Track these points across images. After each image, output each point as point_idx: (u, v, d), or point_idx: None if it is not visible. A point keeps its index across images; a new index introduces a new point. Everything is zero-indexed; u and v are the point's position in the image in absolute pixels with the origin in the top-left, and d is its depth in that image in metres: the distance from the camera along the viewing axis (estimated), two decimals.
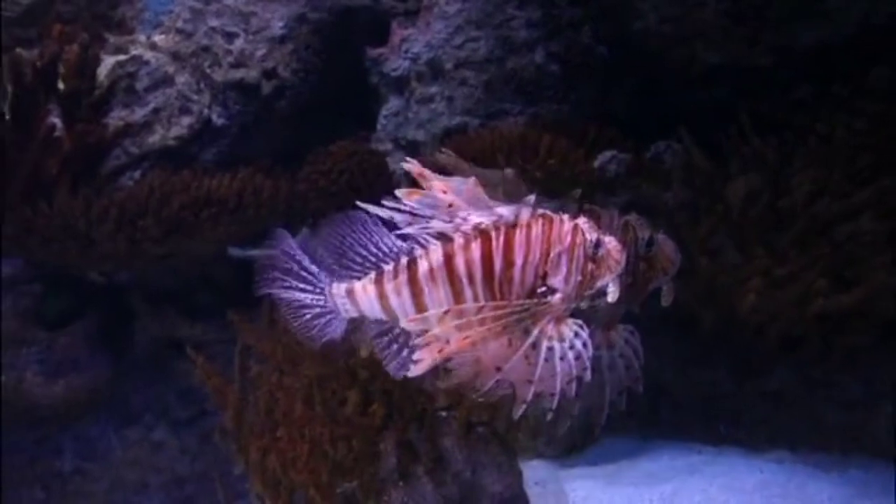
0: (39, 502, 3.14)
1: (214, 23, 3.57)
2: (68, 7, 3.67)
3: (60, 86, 3.11)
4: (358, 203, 1.38)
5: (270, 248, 1.54)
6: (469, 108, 3.56)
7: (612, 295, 1.38)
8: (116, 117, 3.39)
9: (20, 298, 3.18)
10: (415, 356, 1.31)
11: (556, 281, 1.32)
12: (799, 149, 3.39)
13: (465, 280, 1.32)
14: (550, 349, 1.30)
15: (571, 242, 1.33)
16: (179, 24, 3.61)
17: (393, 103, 3.60)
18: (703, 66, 3.87)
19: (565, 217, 1.35)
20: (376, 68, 3.63)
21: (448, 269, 1.33)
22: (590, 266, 1.35)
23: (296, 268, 1.48)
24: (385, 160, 3.43)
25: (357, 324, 1.48)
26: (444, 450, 2.05)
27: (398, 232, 1.33)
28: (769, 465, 3.17)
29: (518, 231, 1.32)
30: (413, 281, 1.34)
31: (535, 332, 1.30)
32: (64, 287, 3.22)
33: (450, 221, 1.30)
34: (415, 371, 1.30)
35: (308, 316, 1.46)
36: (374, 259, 1.41)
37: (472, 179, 1.28)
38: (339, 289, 1.42)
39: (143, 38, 3.67)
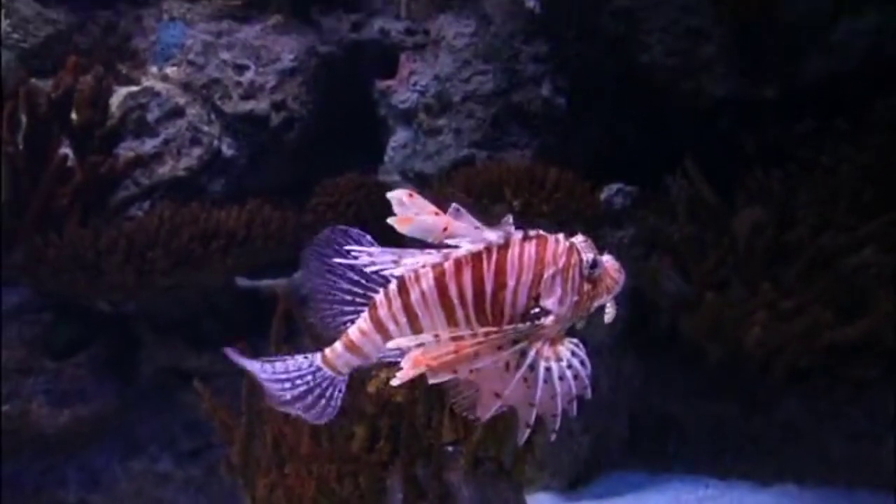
0: None
1: (225, 55, 3.63)
2: (84, 38, 3.73)
3: (73, 116, 3.15)
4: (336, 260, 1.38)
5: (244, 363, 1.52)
6: (476, 140, 3.59)
7: (610, 316, 1.35)
8: (127, 148, 3.42)
9: (27, 327, 3.19)
10: (402, 363, 1.29)
11: (549, 303, 1.28)
12: (804, 181, 3.41)
13: (456, 302, 1.29)
14: (548, 370, 1.26)
15: (566, 262, 1.29)
16: (191, 56, 3.66)
17: (401, 135, 3.64)
18: (708, 98, 3.90)
19: (560, 237, 1.31)
20: (385, 100, 3.68)
21: (440, 293, 1.29)
22: (586, 287, 1.30)
23: (276, 373, 1.43)
24: None
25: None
26: (450, 485, 2.04)
27: (385, 271, 1.29)
28: (777, 499, 3.15)
29: (510, 252, 1.29)
30: (407, 306, 1.30)
31: (532, 353, 1.28)
32: (72, 316, 3.23)
33: (438, 254, 1.28)
34: (401, 377, 1.28)
35: (310, 399, 1.41)
36: (362, 290, 1.37)
37: (454, 205, 1.28)
38: (334, 350, 1.38)
39: (154, 69, 3.72)
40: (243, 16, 3.77)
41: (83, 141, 3.11)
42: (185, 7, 3.82)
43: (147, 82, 3.67)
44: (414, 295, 1.30)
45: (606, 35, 3.84)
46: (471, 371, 1.27)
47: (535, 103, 3.56)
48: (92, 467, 3.21)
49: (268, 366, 1.45)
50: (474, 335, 1.26)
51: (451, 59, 3.56)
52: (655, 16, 3.92)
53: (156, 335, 3.23)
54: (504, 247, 1.29)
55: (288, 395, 1.42)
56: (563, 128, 3.67)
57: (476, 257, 1.29)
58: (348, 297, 1.39)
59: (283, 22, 3.71)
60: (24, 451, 3.17)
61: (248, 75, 3.60)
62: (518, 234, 1.30)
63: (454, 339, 1.26)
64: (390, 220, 1.27)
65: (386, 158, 3.71)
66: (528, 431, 1.28)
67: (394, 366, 1.95)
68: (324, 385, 1.42)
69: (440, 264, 1.29)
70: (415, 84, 3.59)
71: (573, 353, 1.28)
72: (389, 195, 1.24)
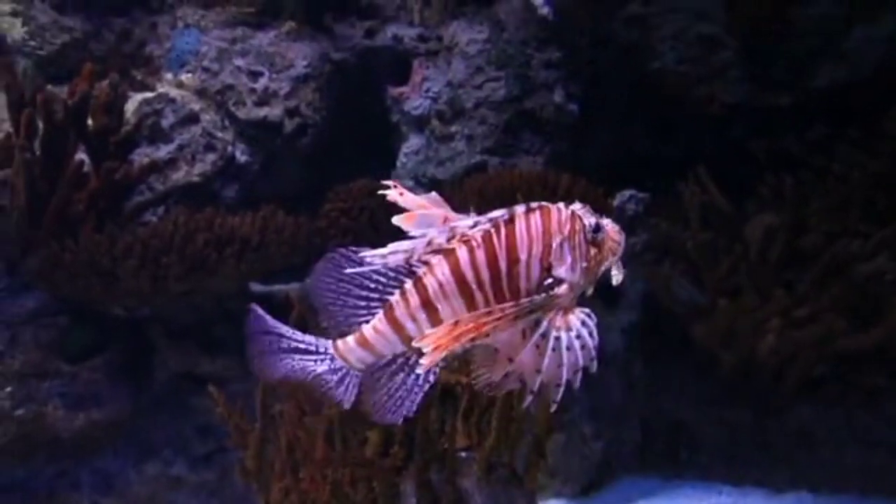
0: None
1: (239, 62, 3.65)
2: (99, 46, 3.77)
3: (89, 123, 3.18)
4: (344, 255, 1.35)
5: (253, 325, 1.46)
6: (489, 147, 3.60)
7: (617, 278, 1.36)
8: (142, 154, 3.45)
9: (43, 331, 3.21)
10: (423, 347, 1.25)
11: (561, 271, 1.30)
12: (817, 188, 3.40)
13: (474, 286, 1.30)
14: (558, 339, 1.28)
15: (571, 229, 1.31)
16: (205, 63, 3.69)
17: (413, 141, 3.65)
18: (721, 105, 3.90)
19: (561, 205, 1.33)
20: (397, 107, 3.69)
21: (457, 280, 1.30)
22: (592, 251, 1.33)
23: (287, 343, 1.42)
24: None
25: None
26: (464, 491, 2.04)
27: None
28: None
29: (517, 227, 1.30)
30: (426, 303, 1.31)
31: (545, 323, 1.28)
32: (87, 320, 3.25)
33: (447, 235, 1.28)
34: (426, 364, 1.25)
35: (331, 382, 1.40)
36: (377, 294, 1.37)
37: (434, 194, 1.29)
38: (346, 343, 1.37)
39: (169, 76, 3.75)
40: (257, 23, 3.80)
41: (99, 147, 3.13)
42: (199, 14, 3.85)
43: (162, 88, 3.70)
44: (431, 289, 1.31)
45: (619, 42, 3.85)
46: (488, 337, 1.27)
47: (547, 110, 3.57)
48: (106, 471, 3.23)
49: (297, 332, 1.42)
50: (490, 312, 1.26)
51: (463, 66, 3.57)
52: (668, 23, 3.92)
53: (170, 340, 3.25)
54: (510, 222, 1.30)
55: (311, 369, 1.40)
56: (576, 134, 3.67)
57: (485, 237, 1.30)
58: (362, 304, 1.38)
59: (296, 29, 3.73)
60: (39, 454, 3.19)
61: (262, 82, 3.62)
62: (521, 208, 1.30)
63: (473, 318, 1.26)
64: (395, 220, 1.27)
65: (398, 164, 3.72)
66: (530, 397, 1.28)
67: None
68: (340, 372, 1.40)
69: (453, 252, 1.30)
70: (427, 90, 3.60)
71: (583, 324, 1.29)
72: (387, 194, 1.25)
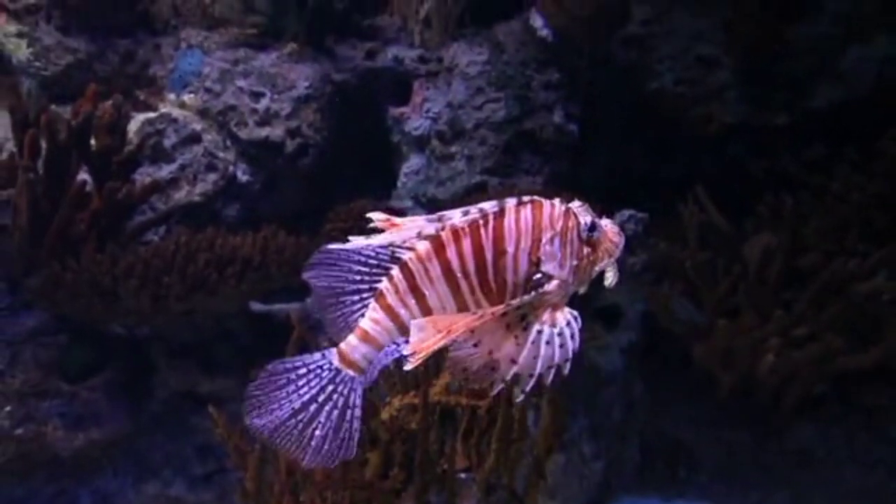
0: None
1: (242, 83, 3.69)
2: (103, 66, 3.80)
3: (92, 143, 3.20)
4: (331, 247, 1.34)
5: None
6: (489, 167, 3.62)
7: (611, 280, 1.35)
8: (144, 173, 3.47)
9: (43, 350, 3.22)
10: (411, 343, 1.25)
11: (550, 267, 1.29)
12: (815, 208, 3.42)
13: (459, 274, 1.29)
14: (540, 332, 1.27)
15: (564, 226, 1.30)
16: (208, 83, 3.72)
17: (414, 161, 3.68)
18: (719, 125, 3.93)
19: (556, 201, 1.32)
20: (398, 127, 3.72)
21: (442, 266, 1.29)
22: (586, 250, 1.31)
23: (284, 378, 1.36)
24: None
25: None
26: None
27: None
28: None
29: (506, 218, 1.29)
30: (414, 288, 1.30)
31: (532, 319, 1.27)
32: (87, 339, 3.26)
33: (437, 226, 1.28)
34: (413, 361, 1.23)
35: (326, 411, 1.34)
36: (367, 284, 1.35)
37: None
38: (349, 344, 1.34)
39: (172, 96, 3.78)
40: (259, 44, 3.84)
41: (101, 167, 3.15)
42: (202, 35, 3.89)
43: (164, 109, 3.73)
44: (417, 274, 1.30)
45: (618, 63, 3.88)
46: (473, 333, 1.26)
47: (546, 130, 3.60)
48: (105, 491, 3.22)
49: (294, 359, 1.35)
50: (482, 316, 1.26)
51: (463, 87, 3.60)
52: (666, 44, 3.96)
53: (170, 359, 3.25)
54: (500, 214, 1.30)
55: (297, 402, 1.34)
56: (575, 154, 3.70)
57: (473, 227, 1.29)
58: (355, 297, 1.36)
59: (298, 50, 3.76)
60: (38, 474, 3.18)
61: (264, 102, 3.65)
62: (512, 201, 1.30)
63: (463, 324, 1.25)
64: (381, 225, 1.27)
65: (399, 184, 3.74)
66: (500, 386, 1.27)
67: (406, 392, 1.96)
68: (342, 388, 1.35)
69: (438, 238, 1.29)
70: (428, 111, 3.63)
71: (568, 324, 1.28)
72: (371, 216, 1.27)
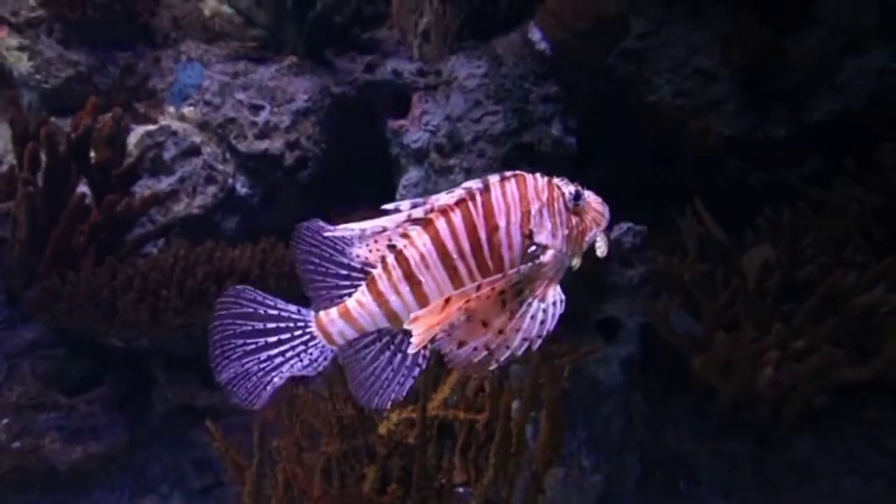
0: None
1: (241, 96, 3.70)
2: (103, 79, 3.82)
3: (92, 154, 3.20)
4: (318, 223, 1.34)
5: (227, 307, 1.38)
6: None
7: (602, 250, 1.36)
8: (144, 186, 3.48)
9: (41, 363, 3.21)
10: (412, 329, 1.23)
11: (542, 237, 1.30)
12: (814, 220, 3.42)
13: (455, 255, 1.29)
14: (529, 305, 1.28)
15: (550, 196, 1.31)
16: (207, 96, 3.74)
17: (412, 174, 3.68)
18: (717, 137, 3.93)
19: (538, 174, 1.33)
20: (397, 140, 3.73)
21: (438, 250, 1.29)
22: (574, 220, 1.32)
23: (256, 323, 1.35)
24: None
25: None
26: None
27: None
28: None
29: (493, 193, 1.29)
30: (409, 275, 1.29)
31: (527, 292, 1.28)
32: (85, 352, 3.25)
33: (425, 209, 1.28)
34: (416, 344, 1.23)
35: (300, 354, 1.34)
36: (358, 266, 1.34)
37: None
38: (328, 315, 1.33)
39: (172, 109, 3.79)
40: (259, 57, 3.85)
41: (101, 180, 3.16)
42: (202, 48, 3.90)
43: (164, 121, 3.74)
44: (413, 261, 1.29)
45: (616, 75, 3.90)
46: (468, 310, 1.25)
47: (545, 143, 3.60)
48: None
49: (279, 301, 1.34)
50: (479, 287, 1.25)
51: (462, 100, 3.61)
52: (664, 56, 3.98)
53: (168, 372, 3.25)
54: (486, 190, 1.30)
55: (261, 342, 1.31)
56: (574, 167, 3.70)
57: (462, 206, 1.29)
58: (343, 272, 1.35)
59: (297, 63, 3.78)
60: (35, 487, 3.18)
61: (263, 115, 3.66)
62: (496, 177, 1.32)
63: (461, 296, 1.25)
64: (373, 223, 1.27)
65: (398, 197, 3.74)
66: (484, 354, 1.25)
67: (404, 406, 1.95)
68: (309, 344, 1.34)
69: (431, 223, 1.29)
70: (426, 124, 3.64)
71: (554, 303, 1.29)
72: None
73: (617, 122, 3.88)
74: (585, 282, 3.13)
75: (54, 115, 3.64)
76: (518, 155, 3.61)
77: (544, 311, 1.28)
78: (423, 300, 1.30)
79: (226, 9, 3.93)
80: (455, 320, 1.26)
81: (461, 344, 1.26)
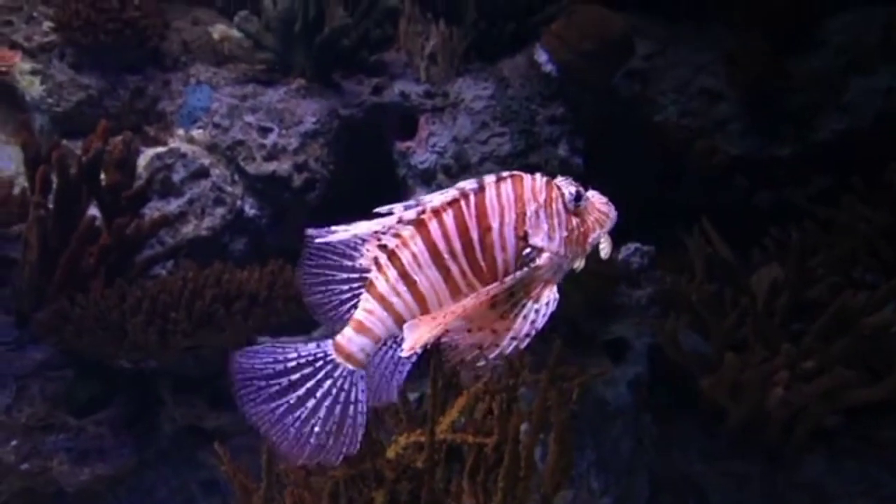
0: None
1: (250, 118, 3.73)
2: (114, 102, 3.86)
3: (102, 176, 3.23)
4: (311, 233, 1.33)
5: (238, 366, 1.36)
6: None
7: (605, 251, 1.34)
8: (153, 208, 3.50)
9: (50, 384, 3.22)
10: (407, 334, 1.24)
11: (538, 239, 1.27)
12: (821, 240, 3.41)
13: (447, 256, 1.27)
14: (524, 306, 1.26)
15: (547, 197, 1.28)
16: (216, 119, 3.77)
17: (420, 195, 3.70)
18: (723, 157, 3.95)
19: (537, 175, 1.31)
20: (404, 161, 3.75)
21: (430, 250, 1.27)
22: (574, 221, 1.29)
23: (281, 378, 1.31)
24: None
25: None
26: None
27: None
28: None
29: (487, 194, 1.27)
30: (404, 274, 1.27)
31: (522, 294, 1.26)
32: (93, 373, 3.26)
33: (417, 209, 1.27)
34: (408, 348, 1.22)
35: (326, 406, 1.29)
36: (357, 274, 1.33)
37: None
38: (344, 335, 1.31)
39: (181, 131, 3.83)
40: (267, 79, 3.89)
41: (111, 202, 3.19)
42: (211, 71, 3.95)
43: (174, 144, 3.78)
44: (406, 260, 1.28)
45: (622, 96, 3.92)
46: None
47: (552, 164, 3.62)
48: None
49: (288, 347, 1.31)
50: (477, 296, 1.24)
51: (469, 121, 3.64)
52: (669, 77, 4.01)
53: (176, 393, 3.25)
54: (480, 190, 1.28)
55: (293, 396, 1.28)
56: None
57: (455, 206, 1.27)
58: (345, 287, 1.34)
59: (305, 85, 3.81)
60: None
61: (272, 137, 3.69)
62: (491, 178, 1.30)
63: (458, 308, 1.24)
64: (365, 226, 1.27)
65: None
66: (476, 351, 1.24)
67: (412, 430, 1.94)
68: (341, 382, 1.30)
69: (423, 223, 1.27)
70: (434, 145, 3.66)
71: (547, 303, 1.27)
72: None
73: (623, 143, 3.89)
74: (593, 302, 3.13)
75: (65, 138, 3.68)
76: None
77: (536, 311, 1.26)
78: (420, 300, 1.29)
79: (235, 32, 3.98)
80: (450, 325, 1.25)
81: (459, 347, 1.26)
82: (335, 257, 1.36)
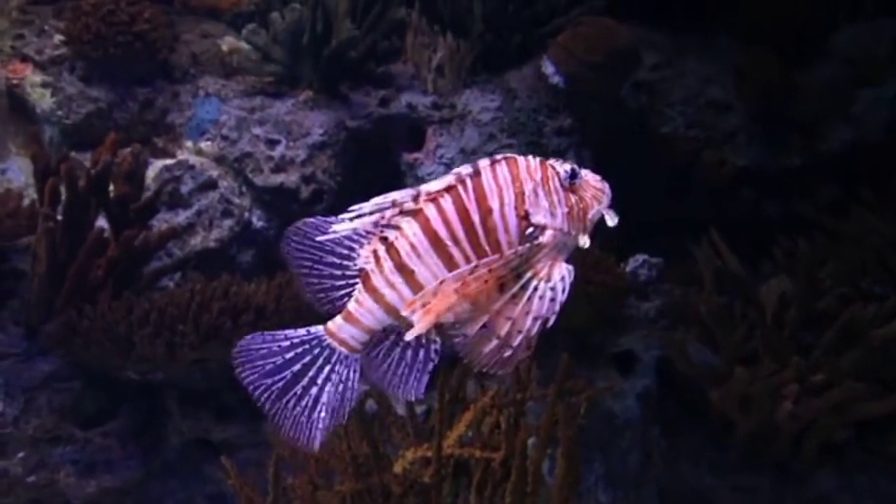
0: None
1: (258, 130, 3.75)
2: (123, 114, 3.88)
3: (111, 188, 3.25)
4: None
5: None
6: None
7: (612, 220, 1.34)
8: (161, 219, 3.51)
9: (57, 396, 3.22)
10: (413, 318, 1.22)
11: (539, 217, 1.27)
12: (831, 251, 3.40)
13: (449, 242, 1.26)
14: (536, 288, 1.25)
15: (544, 176, 1.29)
16: (224, 131, 3.79)
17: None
18: (731, 168, 3.94)
19: (530, 156, 1.32)
20: (411, 172, 3.75)
21: (430, 238, 1.26)
22: (572, 198, 1.30)
23: (278, 357, 1.35)
24: None
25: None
26: None
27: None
28: None
29: (484, 177, 1.27)
30: (400, 266, 1.27)
31: (529, 274, 1.25)
32: (100, 385, 3.26)
33: (413, 195, 1.27)
34: (415, 330, 1.21)
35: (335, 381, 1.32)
36: (352, 262, 1.32)
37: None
38: (335, 323, 1.32)
39: (189, 143, 3.85)
40: (275, 92, 3.90)
41: (119, 214, 3.20)
42: (220, 83, 3.97)
43: (182, 156, 3.80)
44: (403, 252, 1.28)
45: (629, 107, 3.92)
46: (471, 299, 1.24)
47: None
48: None
49: (282, 332, 1.34)
50: (475, 269, 1.23)
51: (476, 133, 3.64)
52: (677, 88, 4.01)
53: (183, 406, 3.25)
54: (476, 174, 1.28)
55: (288, 374, 1.30)
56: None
57: (452, 191, 1.27)
58: (338, 273, 1.34)
59: (313, 97, 3.83)
60: None
61: (279, 149, 3.70)
62: (486, 161, 1.30)
63: (456, 279, 1.23)
64: (363, 219, 1.26)
65: None
66: (495, 342, 1.23)
67: (420, 446, 1.93)
68: (332, 359, 1.32)
69: (421, 211, 1.27)
70: (441, 157, 3.67)
71: (562, 278, 1.27)
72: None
73: (630, 154, 3.89)
74: (601, 315, 3.12)
75: (75, 150, 3.70)
76: None
77: (552, 289, 1.26)
78: (419, 290, 1.28)
79: (243, 45, 4.00)
80: (459, 311, 1.24)
81: (475, 342, 1.25)
82: (332, 247, 1.36)
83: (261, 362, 1.38)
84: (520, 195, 1.27)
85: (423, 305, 1.23)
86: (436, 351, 1.33)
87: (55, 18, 4.04)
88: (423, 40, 3.92)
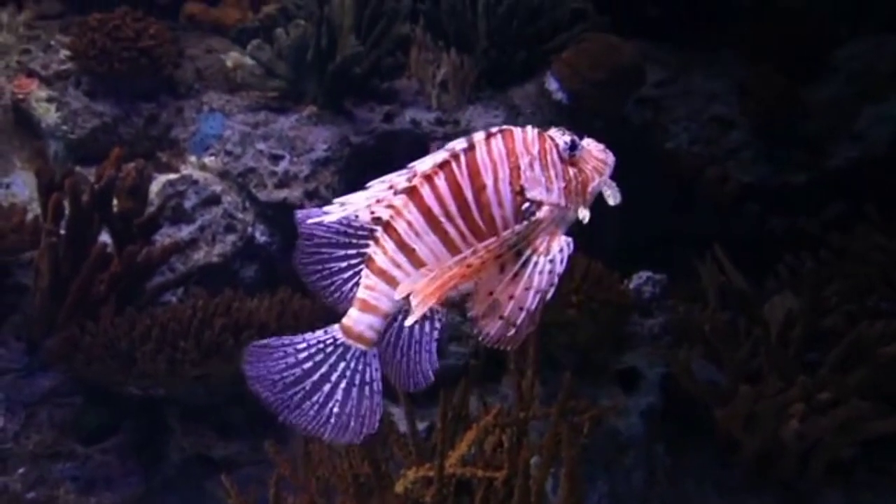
0: None
1: (261, 146, 3.75)
2: (128, 129, 3.90)
3: (114, 202, 3.25)
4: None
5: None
6: None
7: (613, 198, 1.32)
8: (164, 234, 3.51)
9: (58, 411, 3.21)
10: (412, 302, 1.20)
11: (536, 192, 1.24)
12: (836, 268, 3.38)
13: (443, 219, 1.23)
14: (536, 264, 1.23)
15: (541, 148, 1.25)
16: (228, 146, 3.79)
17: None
18: (735, 184, 3.93)
19: (528, 127, 1.28)
20: None
21: (424, 215, 1.24)
22: (571, 171, 1.27)
23: (296, 368, 1.32)
24: None
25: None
26: None
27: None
28: None
29: (478, 151, 1.24)
30: (401, 244, 1.25)
31: (528, 252, 1.23)
32: (101, 400, 3.25)
33: (407, 175, 1.25)
34: (415, 313, 1.19)
35: (342, 388, 1.29)
36: (354, 251, 1.31)
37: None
38: (350, 317, 1.29)
39: (193, 158, 3.86)
40: (279, 107, 3.91)
41: (122, 229, 3.20)
42: (224, 99, 3.98)
43: (186, 170, 3.80)
44: (402, 230, 1.25)
45: (633, 123, 3.92)
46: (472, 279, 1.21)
47: None
48: None
49: (295, 338, 1.32)
50: (475, 252, 1.21)
51: None
52: (681, 104, 4.01)
53: (184, 422, 3.23)
54: (470, 149, 1.25)
55: (307, 382, 1.28)
56: (592, 214, 3.70)
57: (446, 168, 1.25)
58: (344, 265, 1.33)
59: (317, 113, 3.83)
60: None
61: (283, 165, 3.71)
62: (481, 135, 1.27)
63: (457, 262, 1.21)
64: (357, 200, 1.25)
65: None
66: (501, 322, 1.21)
67: (422, 465, 1.92)
68: (354, 364, 1.29)
69: (415, 189, 1.25)
70: None
71: (560, 250, 1.24)
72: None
73: (634, 170, 3.88)
74: (605, 332, 3.10)
75: (79, 164, 3.71)
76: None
77: (551, 261, 1.24)
78: (419, 267, 1.27)
79: (247, 60, 4.02)
80: (462, 291, 1.23)
81: (481, 320, 1.23)
82: (330, 235, 1.34)
83: (278, 376, 1.35)
84: (515, 170, 1.25)
85: (424, 290, 1.21)
86: (440, 320, 1.31)
87: (61, 34, 4.07)
88: (427, 56, 3.93)
